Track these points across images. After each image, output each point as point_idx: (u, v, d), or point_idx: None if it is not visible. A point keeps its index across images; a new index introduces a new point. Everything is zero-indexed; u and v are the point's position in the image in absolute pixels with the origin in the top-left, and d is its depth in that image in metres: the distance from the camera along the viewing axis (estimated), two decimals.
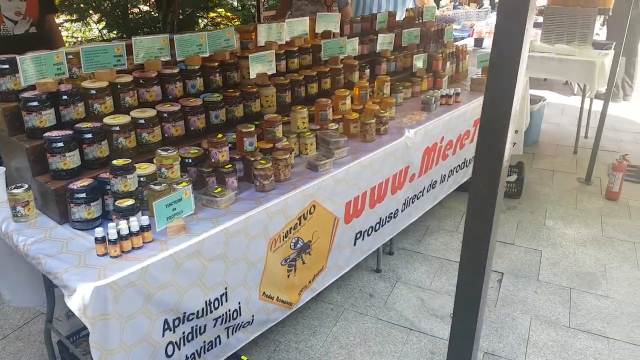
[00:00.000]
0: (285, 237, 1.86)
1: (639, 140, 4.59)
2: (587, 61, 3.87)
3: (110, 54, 1.77)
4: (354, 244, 2.26)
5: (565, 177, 3.81)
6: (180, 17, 6.13)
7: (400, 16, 3.70)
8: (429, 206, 2.84)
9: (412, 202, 2.63)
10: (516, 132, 3.62)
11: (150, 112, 1.77)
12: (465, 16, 7.99)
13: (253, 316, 1.83)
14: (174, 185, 1.58)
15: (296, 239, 1.91)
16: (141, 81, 1.87)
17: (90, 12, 6.22)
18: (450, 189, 3.01)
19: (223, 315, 1.69)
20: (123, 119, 1.70)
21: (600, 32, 5.43)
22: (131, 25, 6.17)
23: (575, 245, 2.92)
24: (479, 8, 8.41)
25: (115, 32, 6.13)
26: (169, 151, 1.63)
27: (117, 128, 1.69)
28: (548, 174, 3.88)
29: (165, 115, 1.83)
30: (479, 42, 4.51)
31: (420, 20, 3.51)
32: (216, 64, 2.12)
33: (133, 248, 1.44)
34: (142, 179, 1.63)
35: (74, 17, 6.18)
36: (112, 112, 1.77)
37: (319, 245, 2.04)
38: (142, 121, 1.75)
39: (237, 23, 7.45)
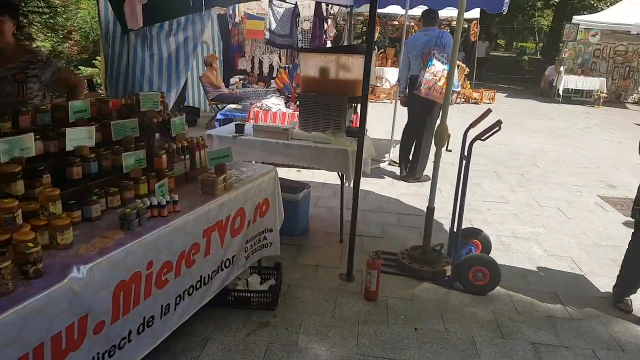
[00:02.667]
0: None
1: (402, 222, 4.66)
2: (341, 150, 3.78)
3: None
4: None
5: (328, 274, 3.54)
6: None
7: None
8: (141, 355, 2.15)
9: None
10: (271, 230, 3.24)
11: None
12: (255, 94, 7.88)
13: None
14: None
15: None
16: None
17: None
18: (176, 325, 2.38)
19: None
20: None
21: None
22: None
23: None
24: (266, 87, 8.43)
25: None
26: None
27: None
28: (311, 271, 3.56)
29: None
30: (239, 128, 4.16)
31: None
32: None
33: None
34: None
35: None
36: None
37: None
38: None
39: None
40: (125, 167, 2.39)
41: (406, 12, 6.87)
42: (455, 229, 3.54)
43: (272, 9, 7.02)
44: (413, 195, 5.44)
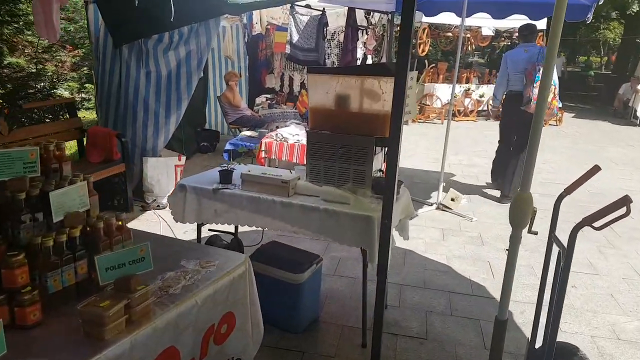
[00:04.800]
0: None
1: (455, 308, 3.34)
2: (364, 216, 2.54)
3: None
4: None
5: None
6: None
7: None
8: None
9: None
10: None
11: None
12: (282, 116, 6.80)
13: None
14: None
15: None
16: None
17: None
18: None
19: None
20: None
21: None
22: None
23: None
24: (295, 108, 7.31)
25: None
26: None
27: None
28: None
29: None
30: (225, 176, 2.99)
31: None
32: None
33: None
34: None
35: None
36: None
37: None
38: None
39: None
40: None
41: (462, 22, 5.55)
42: (540, 346, 2.22)
43: (294, 17, 5.87)
44: (470, 258, 4.08)
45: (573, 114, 14.08)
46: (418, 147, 8.57)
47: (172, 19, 4.45)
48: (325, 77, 2.80)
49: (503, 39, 13.47)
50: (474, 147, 8.83)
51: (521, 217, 2.06)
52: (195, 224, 3.04)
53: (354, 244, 2.59)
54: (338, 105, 2.83)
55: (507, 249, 2.14)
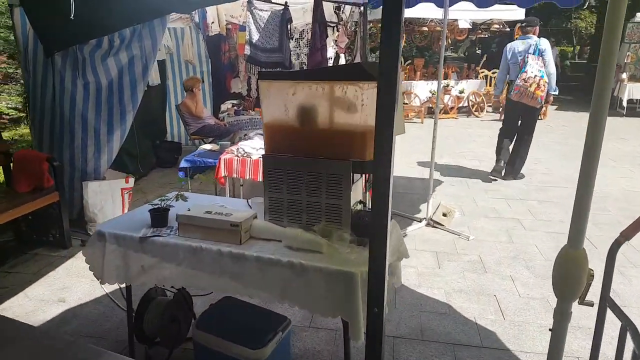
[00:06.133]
0: None
1: None
2: (341, 272, 1.85)
3: None
4: None
5: None
6: None
7: None
8: None
9: None
10: None
11: None
12: (250, 123, 6.09)
13: None
14: None
15: None
16: None
17: None
18: None
19: None
20: None
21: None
22: None
23: None
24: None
25: None
26: None
27: None
28: None
29: None
30: (158, 218, 2.27)
31: None
32: None
33: None
34: None
35: None
36: None
37: None
38: None
39: None
40: None
41: (445, 12, 4.90)
42: None
43: (252, 13, 5.09)
44: (472, 292, 3.42)
45: (556, 106, 13.63)
46: (398, 151, 7.92)
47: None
48: (283, 85, 2.09)
49: (480, 31, 12.94)
50: (458, 148, 8.23)
51: (572, 283, 1.39)
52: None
53: (329, 312, 1.89)
54: (302, 120, 2.13)
55: (550, 329, 1.47)
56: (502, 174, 6.22)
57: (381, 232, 1.47)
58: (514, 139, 6.16)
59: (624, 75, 12.53)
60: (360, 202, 2.26)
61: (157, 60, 6.60)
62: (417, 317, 3.08)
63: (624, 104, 12.15)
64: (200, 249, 2.04)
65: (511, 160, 6.20)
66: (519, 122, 6.09)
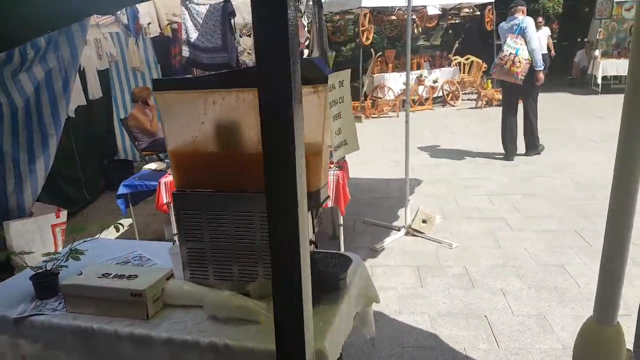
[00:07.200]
0: None
1: None
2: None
3: None
4: None
5: None
6: None
7: None
8: None
9: None
10: None
11: None
12: None
13: None
14: None
15: None
16: None
17: None
18: None
19: None
20: None
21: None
22: None
23: None
24: None
25: None
26: None
27: None
28: None
29: None
30: (43, 288, 1.72)
31: None
32: None
33: None
34: None
35: None
36: None
37: None
38: None
39: None
40: None
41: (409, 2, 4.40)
42: None
43: (187, 7, 4.49)
44: (460, 314, 2.93)
45: None
46: (374, 149, 7.43)
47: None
48: (190, 96, 1.56)
49: (451, 17, 12.52)
50: (436, 141, 7.77)
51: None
52: None
53: None
54: (221, 142, 1.59)
55: None
56: (513, 157, 6.34)
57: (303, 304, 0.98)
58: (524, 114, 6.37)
59: (597, 52, 12.28)
60: (311, 242, 1.74)
61: (99, 70, 5.97)
62: (400, 356, 2.57)
63: (599, 81, 11.89)
64: (92, 331, 1.50)
65: (529, 135, 6.43)
66: (517, 101, 6.36)
